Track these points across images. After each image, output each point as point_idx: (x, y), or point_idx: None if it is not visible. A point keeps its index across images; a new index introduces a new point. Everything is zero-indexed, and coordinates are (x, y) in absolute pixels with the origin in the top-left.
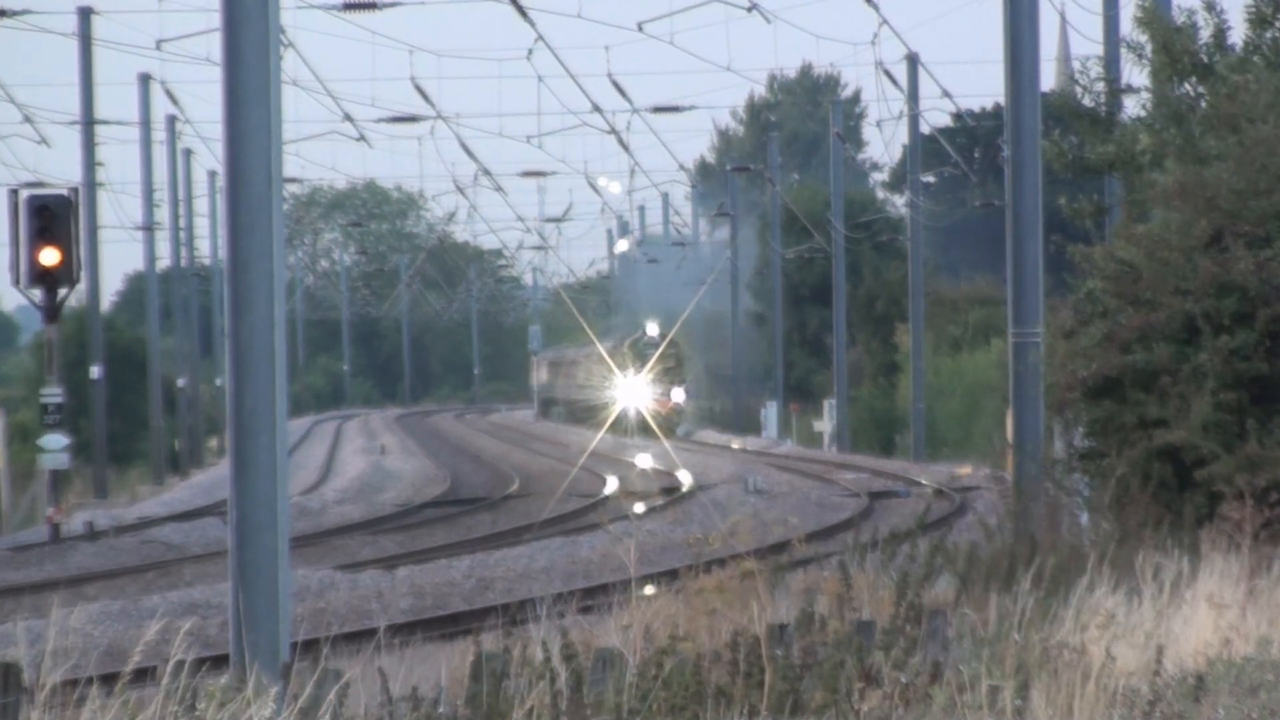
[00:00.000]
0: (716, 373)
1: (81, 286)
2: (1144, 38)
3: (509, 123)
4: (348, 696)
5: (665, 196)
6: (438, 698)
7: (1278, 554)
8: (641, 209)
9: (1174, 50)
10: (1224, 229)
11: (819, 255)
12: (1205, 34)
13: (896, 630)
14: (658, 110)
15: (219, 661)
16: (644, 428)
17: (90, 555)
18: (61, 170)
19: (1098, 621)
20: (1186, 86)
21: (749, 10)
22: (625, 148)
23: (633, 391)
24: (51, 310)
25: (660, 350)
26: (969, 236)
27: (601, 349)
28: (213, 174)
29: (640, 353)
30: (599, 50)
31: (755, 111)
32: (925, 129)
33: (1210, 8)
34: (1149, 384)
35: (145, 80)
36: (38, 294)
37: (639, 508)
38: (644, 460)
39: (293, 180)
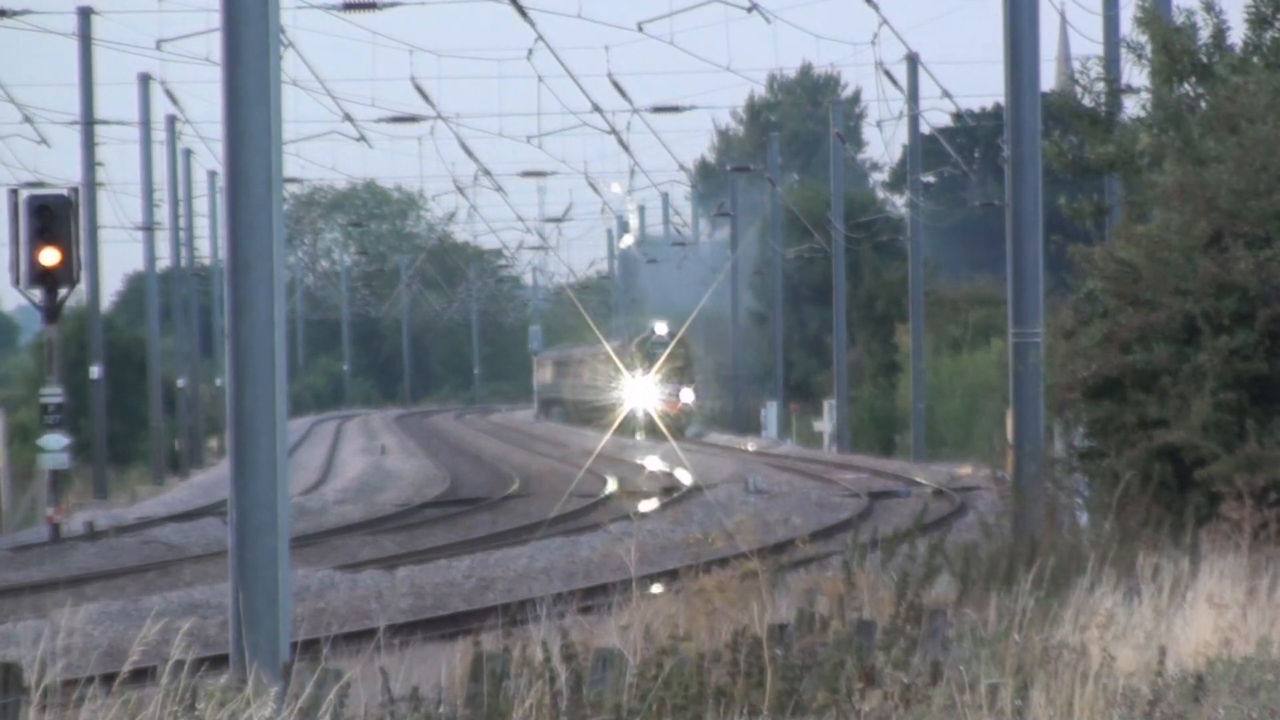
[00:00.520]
0: (717, 373)
1: (81, 286)
2: (1144, 38)
3: (509, 123)
4: (348, 696)
5: (665, 196)
6: (438, 698)
7: (1277, 554)
8: (641, 209)
9: (1174, 50)
10: (1224, 229)
11: (819, 255)
12: (1204, 34)
13: (896, 630)
14: (658, 110)
15: (219, 661)
16: (652, 429)
17: (90, 555)
18: (61, 170)
19: (1098, 621)
20: (1186, 87)
21: (749, 10)
22: (625, 148)
23: (641, 392)
24: (51, 310)
25: (669, 349)
26: (969, 236)
27: (609, 348)
28: (213, 174)
29: (648, 352)
30: (599, 50)
31: (755, 111)
32: (925, 129)
33: (1209, 8)
34: (1149, 384)
35: (145, 80)
36: (38, 294)
37: (640, 507)
38: (651, 461)
39: (293, 180)
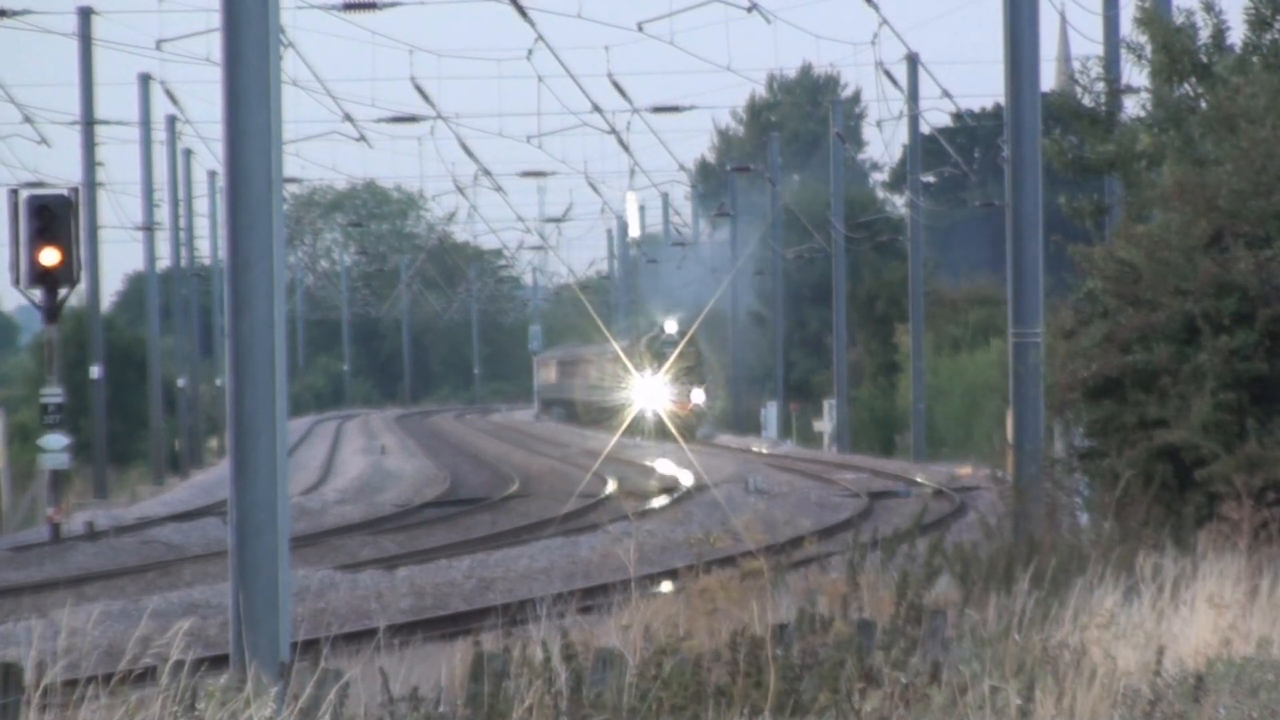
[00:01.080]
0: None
1: (81, 286)
2: (1144, 38)
3: (509, 123)
4: (348, 696)
5: (665, 196)
6: (438, 698)
7: (1277, 554)
8: (641, 209)
9: (1174, 50)
10: (1224, 229)
11: (819, 255)
12: (1204, 35)
13: (897, 630)
14: (658, 110)
15: (219, 661)
16: (662, 431)
17: (90, 555)
18: (61, 170)
19: (1098, 621)
20: (1186, 87)
21: (749, 10)
22: (625, 148)
23: (650, 392)
24: (51, 310)
25: (679, 349)
26: (969, 236)
27: (617, 347)
28: (213, 174)
29: (657, 351)
30: (599, 50)
31: (755, 111)
32: (925, 129)
33: (1209, 8)
34: (1149, 384)
35: (145, 80)
36: (38, 294)
37: (640, 508)
38: (651, 461)
39: (293, 180)
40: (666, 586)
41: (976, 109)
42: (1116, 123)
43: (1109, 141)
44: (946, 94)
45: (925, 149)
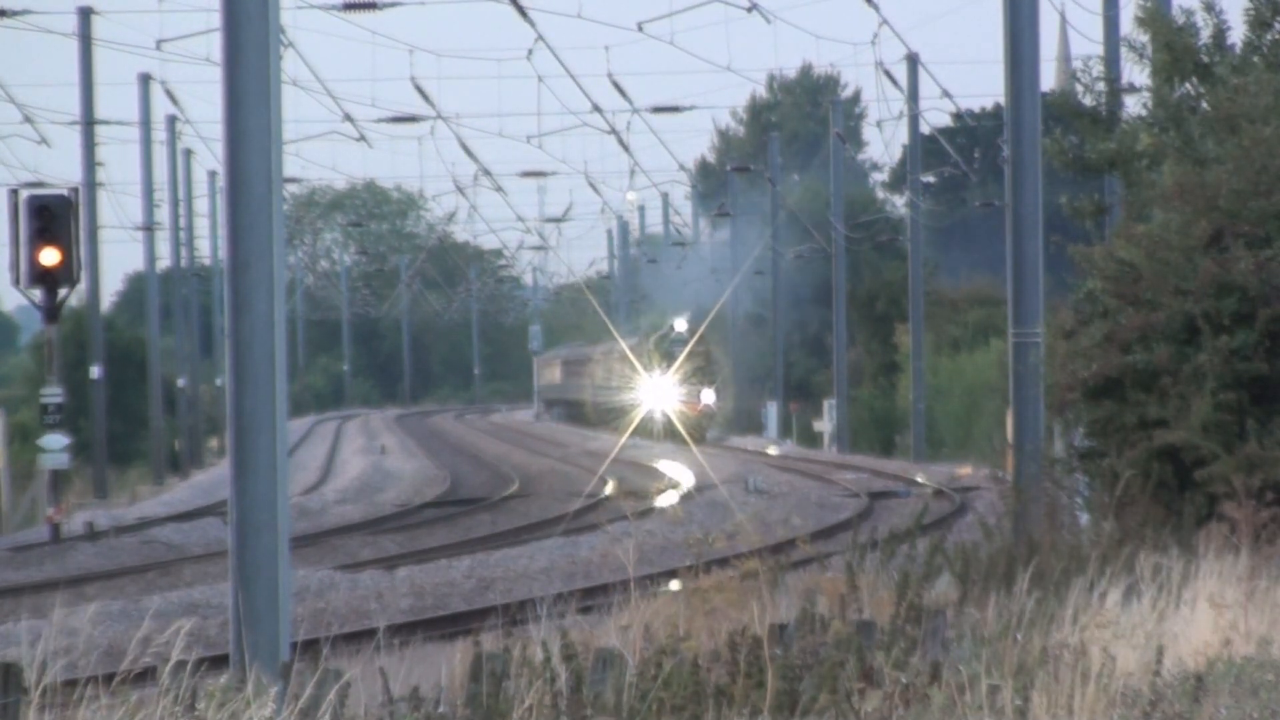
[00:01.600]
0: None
1: (81, 286)
2: (1145, 37)
3: (509, 123)
4: (348, 696)
5: (665, 196)
6: (438, 698)
7: (1277, 554)
8: (641, 209)
9: (1175, 49)
10: (1224, 229)
11: (819, 255)
12: (1205, 34)
13: (897, 630)
14: (658, 110)
15: (219, 661)
16: (671, 432)
17: (90, 555)
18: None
19: (1098, 621)
20: (1188, 86)
21: (749, 10)
22: (625, 148)
23: (659, 392)
24: (51, 310)
25: (689, 347)
26: (969, 236)
27: (624, 346)
28: (213, 174)
29: (666, 351)
30: (599, 50)
31: (755, 111)
32: (925, 129)
33: (1210, 8)
34: (1149, 384)
35: (145, 80)
36: (38, 294)
37: (640, 508)
38: (651, 460)
39: (293, 180)
40: (674, 585)
41: (976, 109)
42: (1117, 122)
43: (1109, 140)
44: (946, 94)
45: (925, 149)
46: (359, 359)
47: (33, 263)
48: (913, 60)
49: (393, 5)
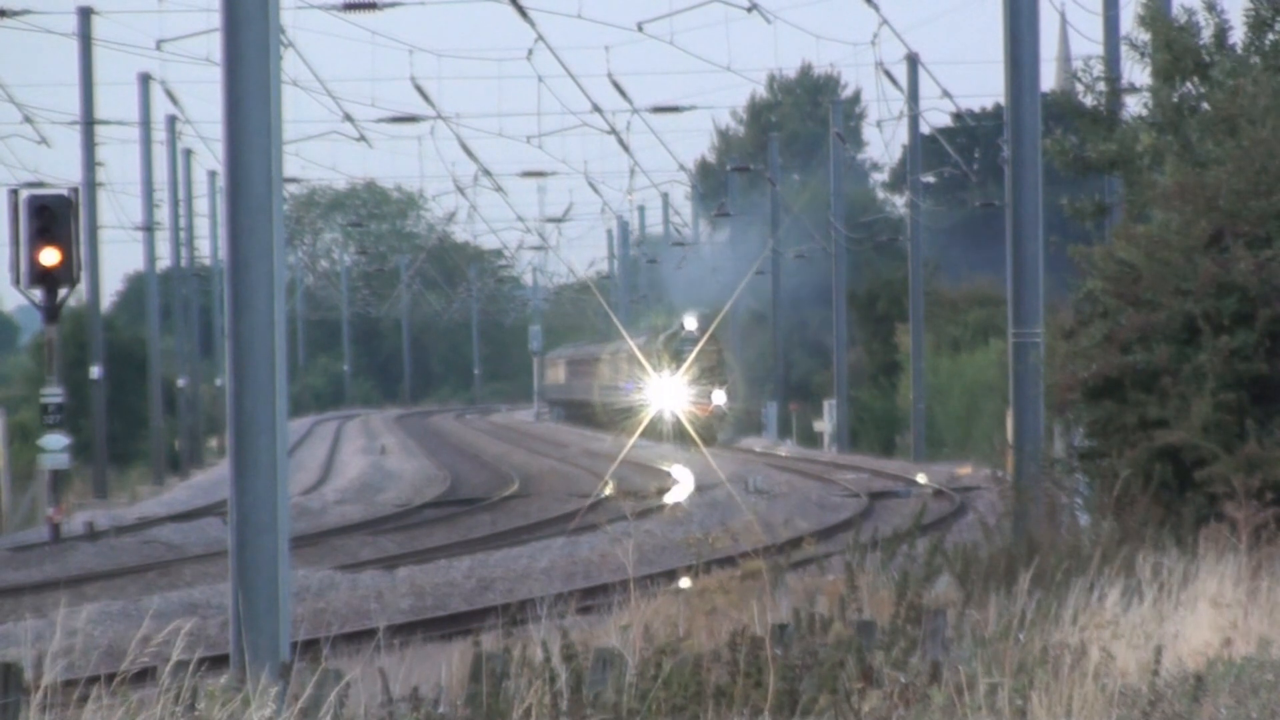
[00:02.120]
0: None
1: (81, 286)
2: (1146, 37)
3: (509, 123)
4: (348, 697)
5: (665, 196)
6: (438, 698)
7: (1277, 554)
8: (641, 209)
9: (1176, 49)
10: (1224, 229)
11: (819, 255)
12: (1206, 34)
13: (896, 630)
14: (658, 110)
15: (219, 661)
16: (681, 433)
17: (90, 555)
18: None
19: (1097, 621)
20: (1189, 86)
21: (749, 10)
22: (625, 148)
23: (668, 393)
24: (51, 310)
25: (699, 346)
26: (969, 236)
27: (633, 345)
28: (213, 174)
29: (676, 350)
30: (599, 50)
31: (755, 111)
32: (925, 129)
33: (1211, 8)
34: (1149, 384)
35: (145, 80)
36: (38, 294)
37: (640, 507)
38: (652, 460)
39: (293, 180)
40: (684, 583)
41: (976, 109)
42: (1118, 122)
43: (1110, 141)
44: (946, 94)
45: (925, 149)
46: (359, 359)
47: (33, 263)
48: (913, 60)
49: (393, 5)
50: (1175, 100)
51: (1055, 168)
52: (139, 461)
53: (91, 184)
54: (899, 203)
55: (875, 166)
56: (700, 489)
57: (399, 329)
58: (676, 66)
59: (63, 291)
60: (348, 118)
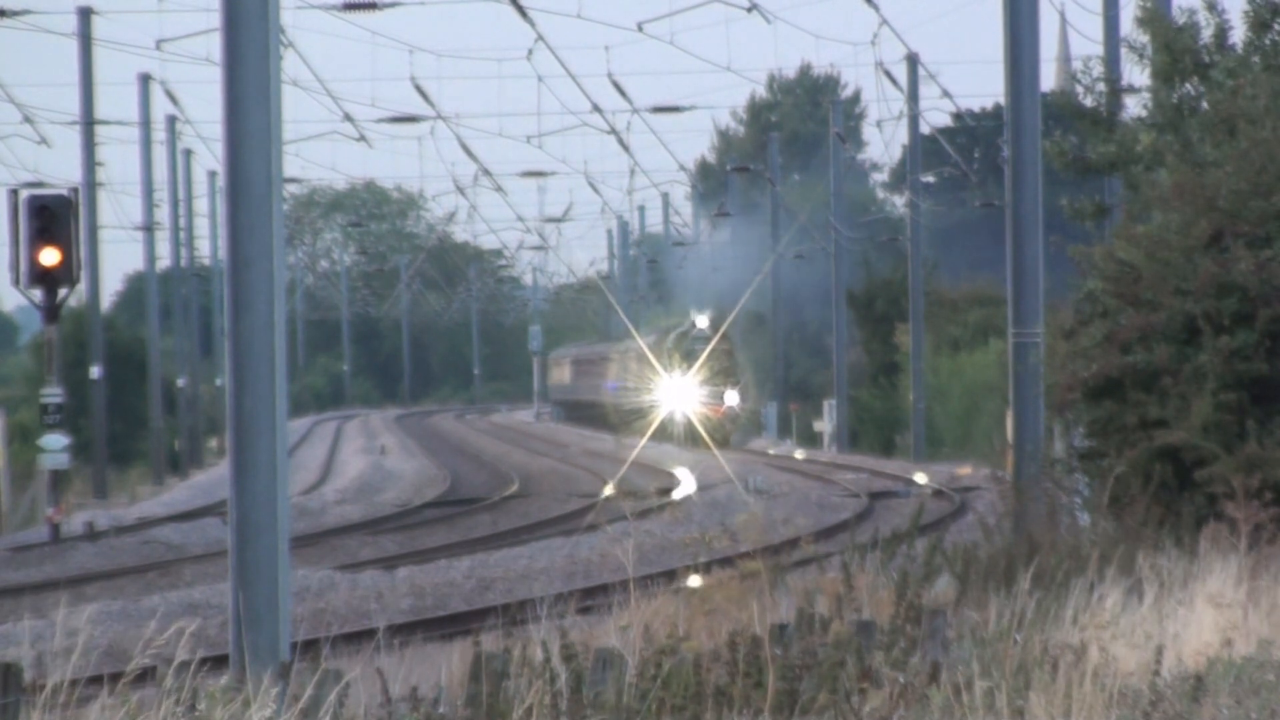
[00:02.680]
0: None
1: (81, 286)
2: (1145, 37)
3: (509, 123)
4: (348, 697)
5: (665, 196)
6: (438, 698)
7: (1277, 554)
8: (641, 209)
9: (1175, 50)
10: (1224, 229)
11: (819, 255)
12: (1206, 34)
13: (896, 630)
14: (658, 110)
15: (219, 661)
16: (692, 435)
17: (90, 555)
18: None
19: (1097, 621)
20: (1188, 87)
21: (749, 10)
22: (625, 148)
23: (679, 393)
24: (51, 310)
25: (711, 345)
26: (969, 236)
27: (643, 344)
28: (213, 174)
29: (688, 349)
30: (599, 50)
31: (755, 111)
32: (925, 129)
33: (1211, 8)
34: (1149, 384)
35: (145, 80)
36: (38, 294)
37: (640, 507)
38: (653, 459)
39: (293, 180)
40: (693, 581)
41: (976, 109)
42: (1117, 123)
43: (1110, 142)
44: (946, 94)
45: (925, 149)
46: (359, 359)
47: (33, 263)
48: (913, 60)
49: (393, 5)
50: (1175, 101)
51: (1055, 169)
52: (139, 461)
53: (91, 184)
54: (899, 203)
55: (875, 166)
56: (690, 489)
57: (399, 329)
58: (676, 66)
59: (63, 291)
60: (348, 118)
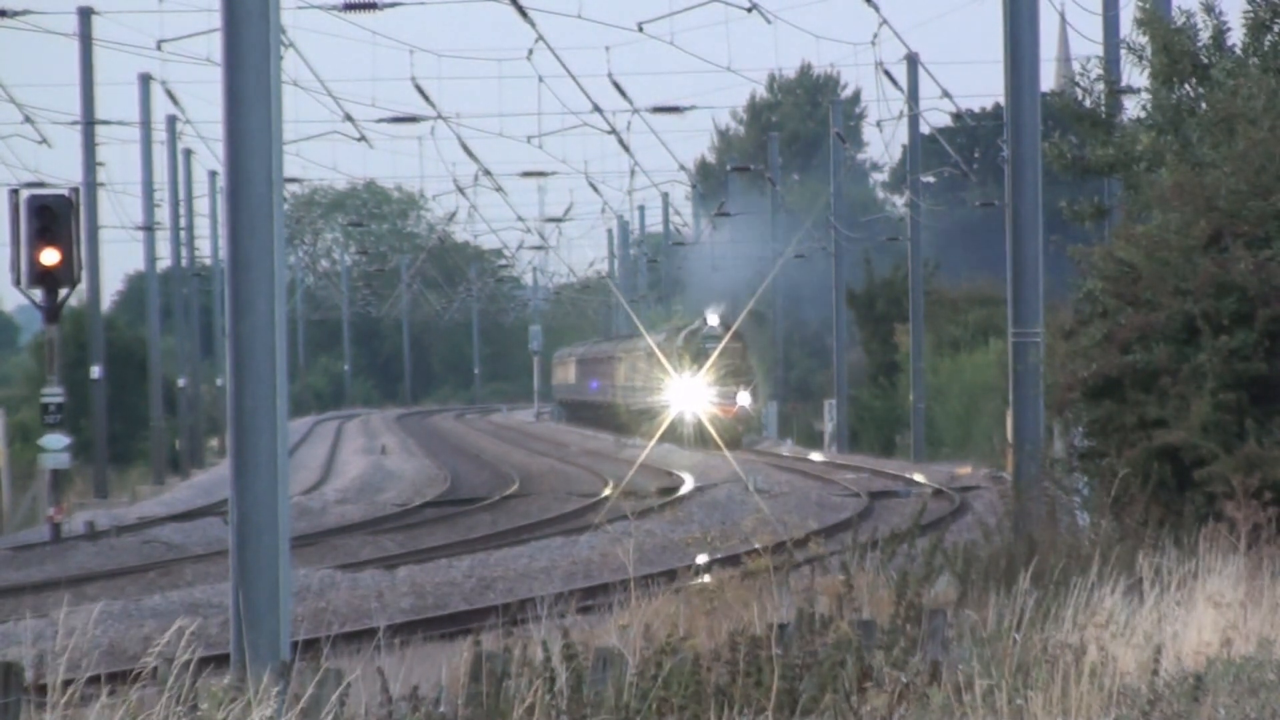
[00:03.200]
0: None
1: (82, 286)
2: (1144, 39)
3: (509, 123)
4: (349, 696)
5: (665, 196)
6: (438, 698)
7: (1277, 554)
8: (641, 209)
9: (1174, 51)
10: (1223, 229)
11: (819, 255)
12: (1205, 35)
13: (896, 630)
14: (658, 110)
15: (220, 661)
16: (703, 436)
17: (91, 555)
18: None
19: (1097, 621)
20: (1187, 88)
21: (749, 10)
22: (625, 148)
23: (690, 393)
24: (52, 310)
25: (722, 344)
26: (969, 236)
27: (652, 343)
28: (213, 174)
29: (698, 348)
30: (599, 50)
31: (755, 111)
32: (925, 129)
33: (1209, 9)
34: (1149, 384)
35: (145, 80)
36: (38, 294)
37: (640, 507)
38: (652, 459)
39: (293, 180)
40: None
41: (976, 109)
42: (1116, 124)
43: (1109, 144)
44: (946, 94)
45: (925, 149)
46: (359, 359)
47: (33, 263)
48: (913, 60)
49: (393, 5)
50: (1174, 101)
51: (1054, 170)
52: (139, 461)
53: (92, 184)
54: (899, 203)
55: (875, 166)
56: (690, 489)
57: (399, 329)
58: (676, 66)
59: (63, 291)
60: (348, 118)
